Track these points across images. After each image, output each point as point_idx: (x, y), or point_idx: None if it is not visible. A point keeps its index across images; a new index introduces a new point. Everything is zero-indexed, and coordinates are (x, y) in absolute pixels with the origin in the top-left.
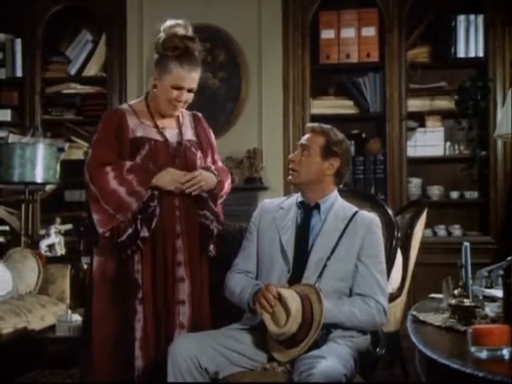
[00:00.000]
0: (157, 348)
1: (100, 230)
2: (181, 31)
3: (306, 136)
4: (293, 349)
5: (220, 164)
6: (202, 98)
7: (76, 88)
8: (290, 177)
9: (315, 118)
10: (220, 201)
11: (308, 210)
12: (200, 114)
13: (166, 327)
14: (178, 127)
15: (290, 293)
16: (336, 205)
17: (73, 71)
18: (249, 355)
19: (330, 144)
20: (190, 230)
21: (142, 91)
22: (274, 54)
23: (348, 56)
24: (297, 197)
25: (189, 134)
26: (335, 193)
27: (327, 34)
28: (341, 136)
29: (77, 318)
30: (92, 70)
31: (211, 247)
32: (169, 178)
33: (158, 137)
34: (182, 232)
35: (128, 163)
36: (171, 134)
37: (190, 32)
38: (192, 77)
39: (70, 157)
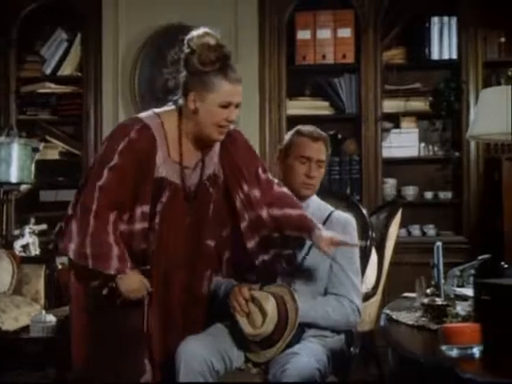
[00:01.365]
0: None
1: (71, 255)
2: (212, 41)
3: (318, 147)
4: (269, 349)
5: (276, 187)
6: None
7: (51, 87)
8: (307, 191)
9: (291, 119)
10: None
11: None
12: (237, 131)
13: None
14: (201, 158)
15: (264, 294)
16: (312, 204)
17: (48, 70)
18: (235, 355)
19: (328, 154)
20: (194, 281)
21: (118, 90)
22: (250, 54)
23: (324, 57)
24: None
25: (210, 166)
26: None
27: (303, 35)
28: None
29: (51, 318)
30: (67, 69)
31: None
32: (135, 286)
33: (178, 179)
34: (182, 287)
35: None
36: (193, 174)
37: (218, 38)
38: (239, 89)
39: (45, 157)
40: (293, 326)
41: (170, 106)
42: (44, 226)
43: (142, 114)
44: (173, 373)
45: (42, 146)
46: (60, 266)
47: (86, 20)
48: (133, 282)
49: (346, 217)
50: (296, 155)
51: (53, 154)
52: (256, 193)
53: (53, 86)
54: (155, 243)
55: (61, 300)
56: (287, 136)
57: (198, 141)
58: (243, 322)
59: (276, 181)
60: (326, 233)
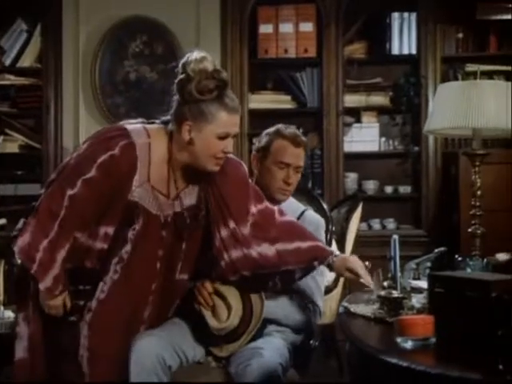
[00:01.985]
0: None
1: (17, 250)
2: (210, 66)
3: (298, 153)
4: (233, 343)
5: (278, 218)
6: (139, 92)
7: (10, 79)
8: (284, 197)
9: (253, 113)
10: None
11: None
12: (234, 163)
13: None
14: (182, 188)
15: (228, 287)
16: (285, 203)
17: (7, 62)
18: (190, 349)
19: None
20: (161, 315)
21: (78, 84)
22: (212, 47)
23: (286, 51)
24: None
25: (189, 197)
26: None
27: (265, 29)
28: None
29: (9, 314)
30: (27, 60)
31: None
32: (54, 302)
33: (153, 208)
34: (148, 317)
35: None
36: (170, 204)
37: (215, 63)
38: (237, 119)
39: (5, 150)
40: (258, 320)
41: (159, 125)
42: (3, 221)
43: (131, 126)
44: None
45: (1, 139)
46: (20, 261)
47: (46, 10)
48: (53, 300)
49: (317, 218)
50: (275, 159)
51: (12, 148)
52: (245, 230)
53: (12, 77)
54: (120, 272)
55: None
56: (266, 135)
57: (186, 169)
58: (208, 315)
59: (276, 208)
60: (351, 259)
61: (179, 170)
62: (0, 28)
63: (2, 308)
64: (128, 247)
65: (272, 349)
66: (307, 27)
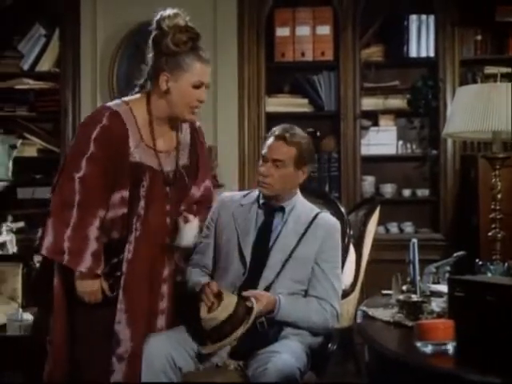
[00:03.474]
0: None
1: (43, 252)
2: (182, 22)
3: (276, 146)
4: (217, 343)
5: (211, 190)
6: None
7: (29, 83)
8: (263, 189)
9: (270, 116)
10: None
11: (271, 211)
12: (198, 124)
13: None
14: (175, 148)
15: (231, 294)
16: (298, 205)
17: (25, 66)
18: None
19: (302, 153)
20: (176, 275)
21: (96, 86)
22: (229, 51)
23: (303, 54)
24: (258, 195)
25: (184, 157)
26: (298, 193)
27: (282, 32)
28: (307, 139)
29: (28, 316)
30: (45, 65)
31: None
32: (91, 288)
33: (155, 164)
34: (168, 277)
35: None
36: (167, 160)
37: (187, 18)
38: (209, 69)
39: (23, 154)
40: (245, 328)
41: (135, 95)
42: (21, 224)
43: (109, 103)
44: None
45: (19, 142)
46: (38, 265)
47: (64, 15)
48: (91, 285)
49: (331, 220)
50: (261, 153)
51: (31, 151)
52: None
53: (31, 81)
54: (139, 229)
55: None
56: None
57: (169, 123)
58: (202, 308)
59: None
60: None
61: (164, 125)
62: (18, 33)
63: (21, 310)
64: (142, 203)
65: (289, 352)
66: (324, 30)
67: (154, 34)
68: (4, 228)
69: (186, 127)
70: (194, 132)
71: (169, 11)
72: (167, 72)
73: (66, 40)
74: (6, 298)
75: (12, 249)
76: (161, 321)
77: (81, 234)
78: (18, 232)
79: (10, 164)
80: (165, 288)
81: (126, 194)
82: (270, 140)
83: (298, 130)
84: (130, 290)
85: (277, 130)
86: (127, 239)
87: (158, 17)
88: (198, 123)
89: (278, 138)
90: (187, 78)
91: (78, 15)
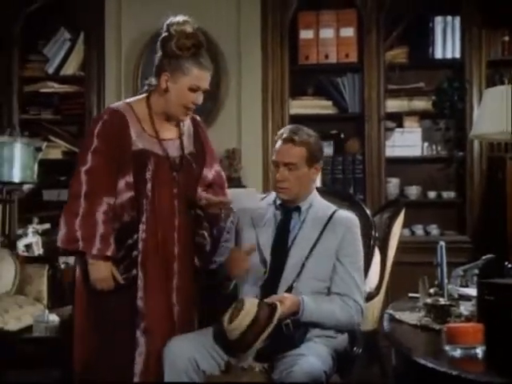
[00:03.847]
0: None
1: (59, 244)
2: (190, 29)
3: (285, 149)
4: (246, 351)
5: (222, 174)
6: None
7: (54, 87)
8: (281, 195)
9: (294, 118)
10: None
11: (288, 211)
12: (198, 118)
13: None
14: (178, 137)
15: (252, 299)
16: (315, 204)
17: (51, 70)
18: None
19: (312, 152)
20: (188, 253)
21: (121, 90)
22: (252, 54)
23: (327, 56)
24: (274, 197)
25: (189, 146)
26: (314, 192)
27: (306, 35)
28: (314, 136)
29: (54, 318)
30: (70, 68)
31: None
32: (103, 275)
33: (160, 150)
34: (178, 255)
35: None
36: (172, 147)
37: (196, 27)
38: (208, 76)
39: (48, 156)
40: (269, 330)
41: (138, 96)
42: (47, 226)
43: (112, 104)
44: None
45: (44, 145)
46: (63, 266)
47: (89, 19)
48: (103, 271)
49: (349, 216)
50: (272, 159)
51: (56, 154)
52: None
53: (56, 85)
54: (149, 209)
55: (64, 300)
56: None
57: (166, 118)
58: (225, 320)
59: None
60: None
61: (164, 119)
62: (44, 37)
63: (47, 312)
64: (149, 185)
65: (315, 355)
66: (348, 32)
67: (162, 36)
68: (30, 230)
69: (187, 120)
70: (196, 123)
71: (179, 17)
72: (168, 72)
73: (90, 44)
74: (31, 300)
75: (38, 250)
76: (174, 297)
77: (90, 220)
78: (43, 234)
79: (36, 166)
80: (176, 266)
81: (129, 178)
82: (279, 144)
83: (305, 129)
84: (146, 266)
85: (283, 132)
86: (139, 220)
87: (169, 21)
88: (198, 117)
89: (286, 140)
90: (185, 81)
91: (103, 19)
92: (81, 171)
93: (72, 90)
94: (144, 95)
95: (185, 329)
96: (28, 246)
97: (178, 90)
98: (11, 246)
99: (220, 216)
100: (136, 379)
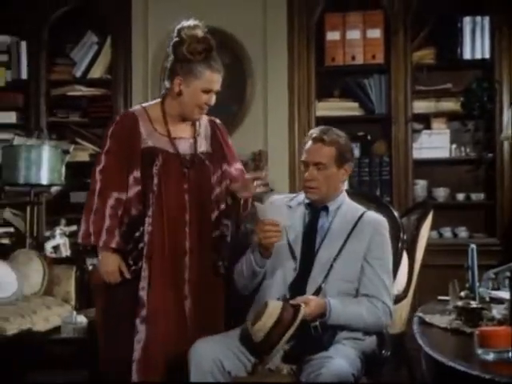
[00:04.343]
0: (156, 369)
1: (79, 240)
2: (200, 33)
3: (315, 149)
4: (270, 352)
5: (239, 166)
6: None
7: (81, 90)
8: (310, 195)
9: (320, 120)
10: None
11: (316, 211)
12: (218, 121)
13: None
14: (192, 137)
15: (275, 301)
16: (344, 205)
17: (78, 73)
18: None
19: (342, 152)
20: (201, 247)
21: (148, 93)
22: (279, 55)
23: (353, 58)
24: (304, 196)
25: (203, 146)
26: (343, 193)
27: (332, 36)
28: (344, 137)
29: (82, 319)
30: (97, 72)
31: (220, 263)
32: (110, 268)
33: (170, 148)
34: (190, 249)
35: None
36: (184, 146)
37: (206, 31)
38: (219, 78)
39: (76, 159)
40: (293, 330)
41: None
42: (75, 227)
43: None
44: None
45: (72, 148)
46: (90, 267)
47: (116, 23)
48: (110, 264)
49: (378, 218)
50: (301, 159)
51: (83, 156)
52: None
53: (83, 88)
54: (155, 203)
55: (91, 301)
56: None
57: (181, 119)
58: (249, 323)
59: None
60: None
61: (178, 119)
62: (71, 41)
63: (75, 313)
64: (155, 180)
65: (343, 357)
66: (375, 33)
67: (173, 40)
68: (57, 231)
69: (204, 122)
70: (214, 125)
71: (190, 22)
72: (181, 76)
73: (117, 47)
74: (59, 301)
75: (65, 252)
76: (186, 289)
77: (99, 215)
78: (71, 235)
79: (63, 169)
80: (187, 259)
81: (137, 174)
82: (309, 144)
83: (335, 130)
84: (151, 258)
85: (313, 132)
86: (146, 214)
87: (179, 26)
88: (217, 120)
89: (316, 140)
90: (198, 84)
91: (130, 22)
92: (96, 171)
93: (99, 93)
94: (158, 101)
95: (201, 321)
96: (56, 248)
97: (191, 93)
98: (39, 247)
99: (248, 202)
100: (134, 367)
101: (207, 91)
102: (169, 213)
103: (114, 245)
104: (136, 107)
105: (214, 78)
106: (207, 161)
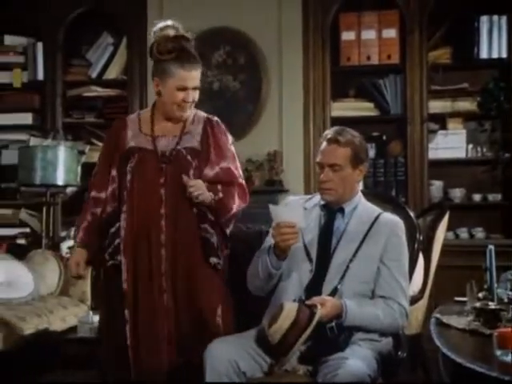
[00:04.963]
0: (137, 357)
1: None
2: (171, 32)
3: (330, 150)
4: (287, 354)
5: (232, 171)
6: (223, 100)
7: (97, 91)
8: (325, 196)
9: (335, 121)
10: (227, 218)
11: (332, 212)
12: (215, 119)
13: (150, 338)
14: (179, 134)
15: (291, 303)
16: (359, 207)
17: (94, 74)
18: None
19: (357, 153)
20: (178, 240)
21: None
22: (294, 56)
23: (369, 58)
24: (320, 198)
25: (190, 142)
26: (359, 194)
27: (347, 36)
28: (359, 137)
29: (98, 319)
30: (113, 72)
31: (215, 260)
32: (71, 262)
33: (150, 146)
34: (166, 242)
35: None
36: (166, 143)
37: (180, 31)
38: (194, 75)
39: (91, 159)
40: (309, 331)
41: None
42: None
43: None
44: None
45: (87, 148)
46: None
47: (131, 24)
48: (72, 259)
49: (394, 219)
50: (316, 161)
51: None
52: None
53: (99, 89)
54: (128, 199)
55: None
56: None
57: (168, 118)
58: (266, 323)
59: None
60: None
61: (166, 120)
62: (87, 42)
63: (91, 313)
64: (129, 177)
65: (360, 358)
66: (390, 33)
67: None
68: (73, 232)
69: (200, 119)
70: (207, 123)
71: (162, 23)
72: (157, 77)
73: (133, 48)
74: (75, 301)
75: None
76: (164, 282)
77: (83, 215)
78: None
79: (79, 169)
80: (163, 252)
81: (114, 172)
82: (323, 145)
83: (350, 130)
84: (127, 252)
85: (328, 133)
86: (121, 210)
87: (154, 28)
88: (215, 118)
89: (331, 141)
90: (171, 83)
91: (145, 23)
92: (93, 174)
93: (115, 94)
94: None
95: (186, 315)
96: (71, 248)
97: (168, 92)
98: (55, 247)
99: (225, 207)
100: (130, 353)
101: (182, 89)
102: (143, 207)
103: (78, 240)
104: (132, 114)
105: (187, 76)
106: (189, 156)
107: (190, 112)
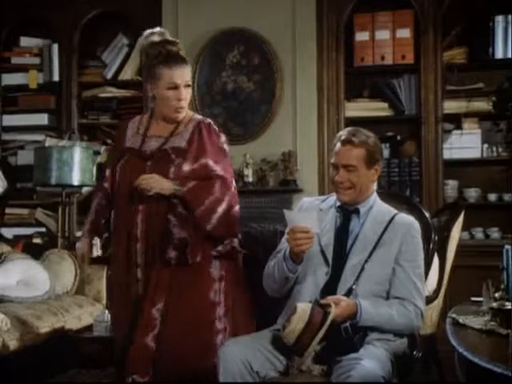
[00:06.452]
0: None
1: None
2: (156, 38)
3: (344, 151)
4: (303, 354)
5: (212, 167)
6: (237, 101)
7: (112, 92)
8: (342, 197)
9: (350, 121)
10: (201, 212)
11: (347, 213)
12: (208, 121)
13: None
14: (168, 135)
15: (305, 303)
16: (374, 207)
17: (109, 75)
18: (287, 357)
19: (371, 153)
20: (150, 235)
21: None
22: (308, 56)
23: (383, 58)
24: (335, 199)
25: (178, 142)
26: (374, 194)
27: (362, 36)
28: (373, 137)
29: None
30: (128, 73)
31: (172, 254)
32: (77, 249)
33: (136, 145)
34: (141, 236)
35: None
36: (156, 143)
37: (166, 36)
38: (182, 72)
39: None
40: (323, 331)
41: None
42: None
43: None
44: None
45: (103, 149)
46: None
47: (146, 25)
48: (78, 246)
49: (409, 220)
50: (330, 162)
51: None
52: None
53: (114, 90)
54: (117, 197)
55: None
56: None
57: (166, 120)
58: (281, 325)
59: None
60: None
61: (163, 121)
62: (102, 43)
63: (106, 312)
64: (117, 175)
65: (374, 359)
66: (404, 33)
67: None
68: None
69: (194, 122)
70: (197, 124)
71: (148, 31)
72: (149, 82)
73: None
74: (91, 300)
75: (96, 252)
76: (139, 273)
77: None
78: None
79: (94, 170)
80: (139, 246)
81: (108, 171)
82: (338, 146)
83: (364, 130)
84: (112, 246)
85: (342, 134)
86: (112, 207)
87: (141, 37)
88: (208, 120)
89: (345, 142)
90: (161, 85)
91: (160, 24)
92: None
93: (130, 95)
94: None
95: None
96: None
97: (160, 94)
98: (71, 247)
99: (200, 200)
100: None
101: (173, 87)
102: (123, 204)
103: (93, 234)
104: (137, 116)
105: (173, 74)
106: (174, 155)
107: (185, 113)
